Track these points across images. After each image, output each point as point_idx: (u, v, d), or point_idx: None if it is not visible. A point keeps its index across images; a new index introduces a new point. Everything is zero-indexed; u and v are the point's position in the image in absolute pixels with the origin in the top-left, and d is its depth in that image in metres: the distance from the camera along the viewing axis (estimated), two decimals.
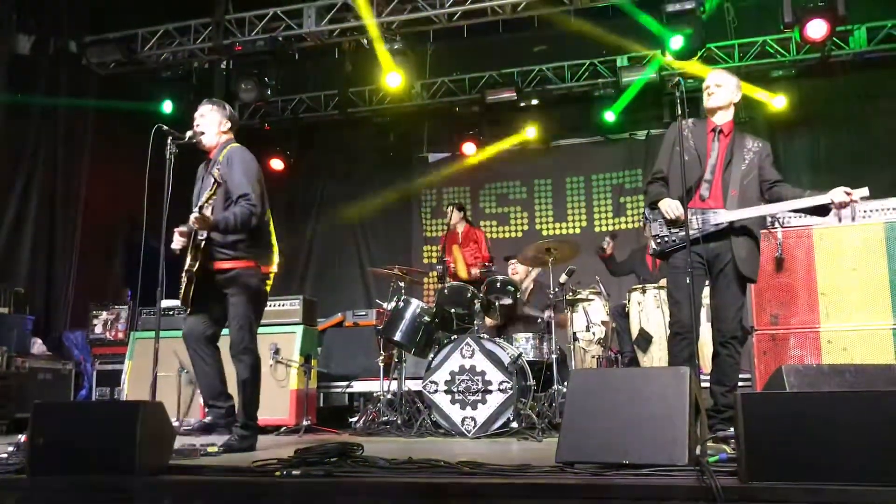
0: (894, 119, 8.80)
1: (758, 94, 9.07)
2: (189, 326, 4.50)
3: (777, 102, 9.10)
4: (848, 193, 3.97)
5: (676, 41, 7.89)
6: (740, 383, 5.43)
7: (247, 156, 4.47)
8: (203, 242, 4.23)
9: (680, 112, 4.18)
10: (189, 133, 4.53)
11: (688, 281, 4.10)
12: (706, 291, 4.51)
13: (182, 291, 4.29)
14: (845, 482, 2.32)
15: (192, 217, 4.11)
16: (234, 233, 4.28)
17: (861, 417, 2.39)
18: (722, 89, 4.38)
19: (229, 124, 4.65)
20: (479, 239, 8.19)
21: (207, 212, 4.14)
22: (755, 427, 2.47)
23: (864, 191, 4.00)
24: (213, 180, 4.18)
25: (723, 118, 4.40)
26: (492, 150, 10.47)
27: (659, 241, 4.35)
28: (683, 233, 4.14)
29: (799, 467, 2.39)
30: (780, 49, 9.07)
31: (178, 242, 4.34)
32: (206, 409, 4.52)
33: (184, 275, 4.30)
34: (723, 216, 4.14)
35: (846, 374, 3.09)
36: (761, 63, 9.16)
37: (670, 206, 4.23)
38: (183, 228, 4.30)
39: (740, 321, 4.28)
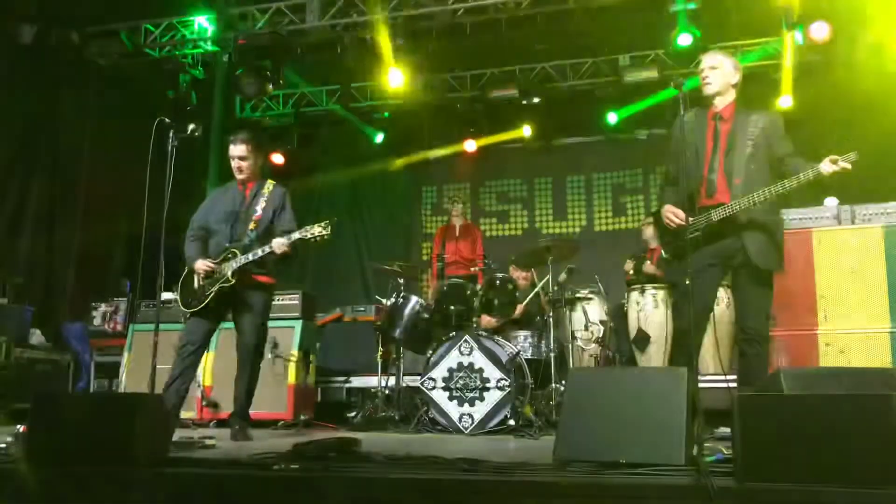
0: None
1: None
2: (200, 335, 4.86)
3: (783, 102, 9.08)
4: (834, 161, 3.80)
5: (685, 38, 7.89)
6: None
7: None
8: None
9: (682, 112, 3.87)
10: (191, 126, 4.58)
11: (695, 284, 3.92)
12: (721, 293, 4.35)
13: (206, 301, 4.80)
14: (840, 484, 2.33)
15: (286, 243, 4.74)
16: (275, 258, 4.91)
17: (857, 420, 2.40)
18: (717, 72, 4.18)
19: None
20: (476, 236, 8.24)
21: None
22: (752, 428, 2.48)
23: (851, 156, 3.82)
24: (259, 210, 4.96)
25: (723, 102, 4.19)
26: (492, 147, 10.49)
27: (666, 246, 4.27)
28: (690, 235, 4.00)
29: (795, 469, 2.40)
30: (780, 49, 9.03)
31: (200, 268, 4.85)
32: (180, 410, 4.87)
33: (214, 287, 4.79)
34: (724, 210, 3.95)
35: (843, 377, 3.10)
36: (761, 65, 9.14)
37: (670, 214, 4.12)
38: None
39: (766, 319, 4.05)
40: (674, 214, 4.09)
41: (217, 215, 5.05)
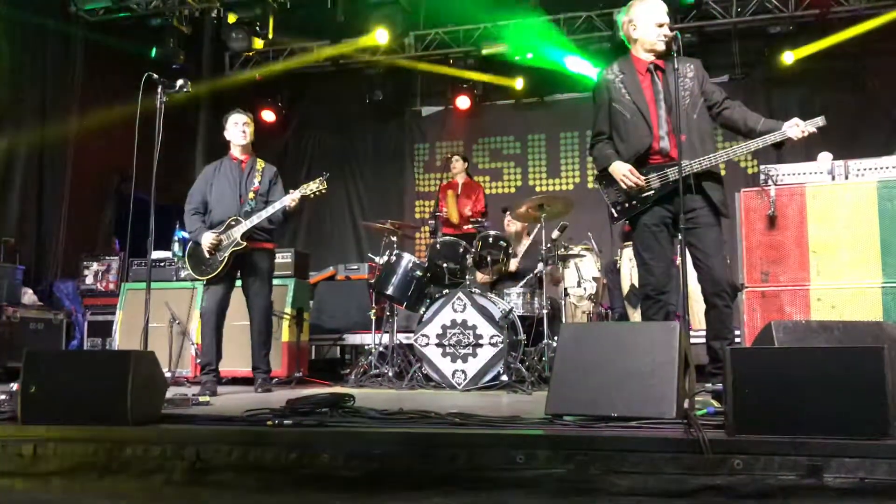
0: (890, 77, 8.74)
1: None
2: (219, 299, 5.28)
3: (787, 57, 9.01)
4: (800, 128, 3.80)
5: None
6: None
7: None
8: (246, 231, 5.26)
9: (676, 67, 3.81)
10: (179, 82, 4.53)
11: (658, 241, 3.96)
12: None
13: (221, 267, 5.19)
14: (830, 435, 2.35)
15: (295, 198, 5.21)
16: (277, 224, 5.45)
17: (847, 372, 2.41)
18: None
19: None
20: (478, 191, 8.19)
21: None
22: (743, 381, 2.49)
23: (818, 120, 3.82)
24: (257, 182, 5.43)
25: (657, 55, 4.00)
26: (485, 104, 10.39)
27: (619, 208, 4.07)
28: (644, 195, 3.93)
29: (785, 421, 2.42)
30: (778, 4, 8.94)
31: (209, 241, 5.21)
32: (210, 372, 5.25)
33: (226, 255, 5.19)
34: (681, 168, 3.73)
35: (834, 330, 3.10)
36: (759, 19, 9.03)
37: (624, 174, 3.94)
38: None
39: (728, 269, 4.03)
40: (632, 174, 3.94)
41: (219, 188, 5.40)
